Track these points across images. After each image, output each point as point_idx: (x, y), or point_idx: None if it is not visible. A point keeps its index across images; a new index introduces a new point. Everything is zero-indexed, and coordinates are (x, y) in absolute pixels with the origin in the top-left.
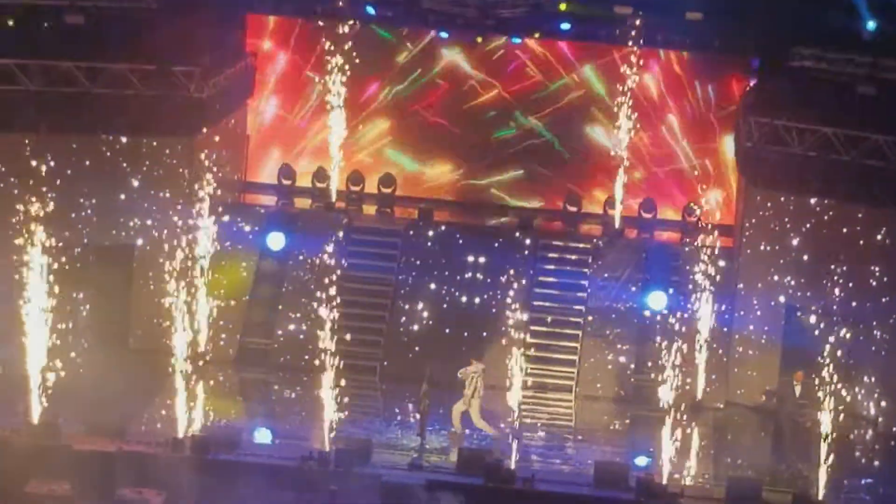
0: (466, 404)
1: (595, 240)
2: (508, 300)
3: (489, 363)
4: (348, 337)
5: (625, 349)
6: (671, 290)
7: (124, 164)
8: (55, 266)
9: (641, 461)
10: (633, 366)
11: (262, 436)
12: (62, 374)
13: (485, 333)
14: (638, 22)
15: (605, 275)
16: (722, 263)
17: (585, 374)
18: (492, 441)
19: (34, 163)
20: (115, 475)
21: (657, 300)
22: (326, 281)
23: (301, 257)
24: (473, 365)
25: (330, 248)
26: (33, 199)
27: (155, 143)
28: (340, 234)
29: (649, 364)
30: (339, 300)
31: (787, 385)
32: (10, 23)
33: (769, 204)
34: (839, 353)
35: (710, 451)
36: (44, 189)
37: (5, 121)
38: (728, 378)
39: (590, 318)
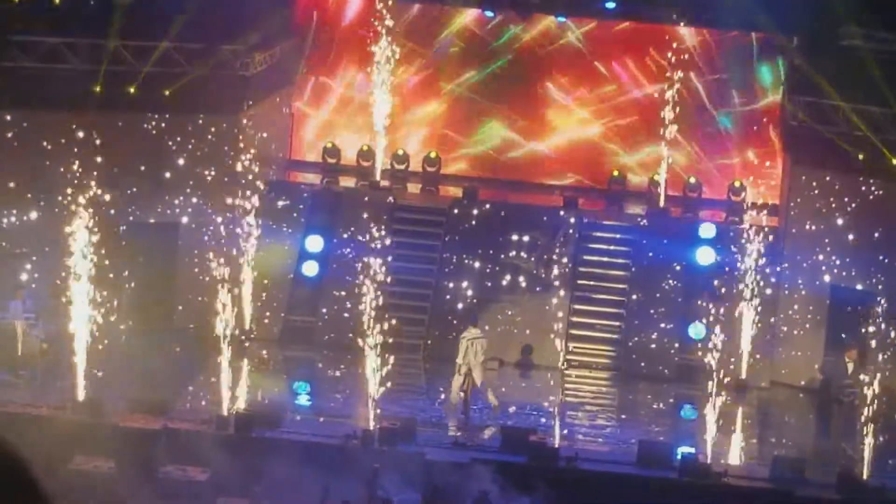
0: (462, 374)
1: (639, 218)
2: (552, 278)
3: (534, 343)
4: (392, 315)
5: (669, 328)
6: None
7: (170, 142)
8: (100, 243)
9: (685, 441)
10: (677, 345)
11: (306, 414)
12: (107, 352)
13: (528, 312)
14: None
15: (650, 254)
16: (767, 243)
17: (629, 352)
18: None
19: (80, 141)
20: (159, 452)
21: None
22: (370, 259)
23: (346, 235)
24: (470, 331)
25: (374, 227)
26: (79, 177)
27: (200, 121)
28: (385, 212)
29: (694, 344)
30: (383, 278)
31: (832, 364)
32: (58, 1)
33: (814, 183)
34: (884, 331)
35: (754, 431)
36: (89, 167)
37: (52, 99)
38: (773, 357)
39: (633, 296)
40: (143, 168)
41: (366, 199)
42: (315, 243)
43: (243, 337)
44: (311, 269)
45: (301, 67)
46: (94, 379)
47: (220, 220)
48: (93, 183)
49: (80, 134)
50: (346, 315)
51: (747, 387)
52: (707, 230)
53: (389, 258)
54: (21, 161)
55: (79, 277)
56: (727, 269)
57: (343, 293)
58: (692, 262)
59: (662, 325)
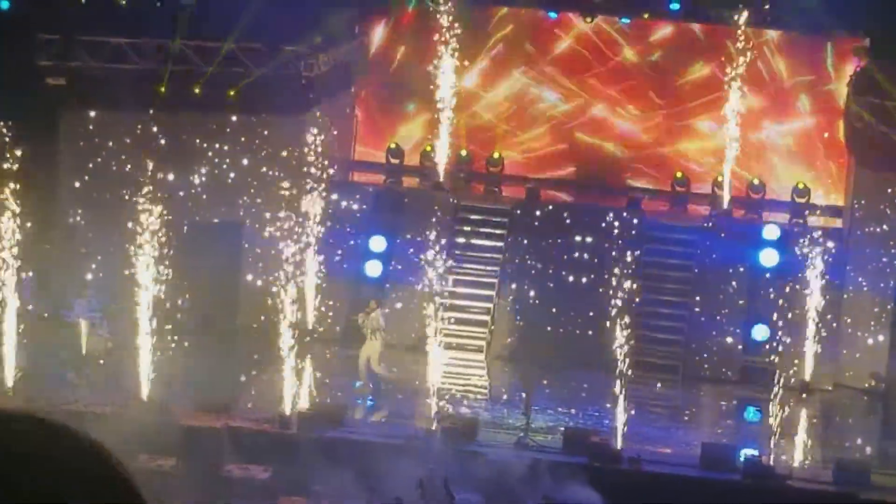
0: (368, 350)
1: (703, 220)
2: (615, 280)
3: (597, 344)
4: (455, 315)
5: (733, 330)
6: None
7: (233, 143)
8: (164, 243)
9: (749, 443)
10: (740, 347)
11: (369, 413)
12: (170, 350)
13: (591, 313)
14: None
15: (714, 255)
16: (831, 245)
17: (693, 354)
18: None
19: (145, 141)
20: (222, 451)
21: (760, 332)
22: (433, 259)
23: (409, 235)
24: (374, 308)
25: (437, 227)
26: (144, 176)
27: (264, 122)
28: (448, 213)
29: (758, 346)
30: (446, 279)
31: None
32: (123, 2)
33: (879, 186)
34: None
35: (818, 433)
36: (154, 167)
37: (118, 99)
38: (837, 360)
39: (696, 297)
40: (206, 168)
41: (429, 199)
42: (378, 243)
43: (306, 337)
44: (374, 269)
45: (364, 68)
46: (158, 378)
47: (283, 220)
48: (157, 183)
49: (145, 134)
50: (408, 315)
51: (811, 389)
52: (771, 232)
53: (452, 259)
54: (86, 160)
55: (143, 277)
56: (791, 270)
57: (406, 293)
58: (756, 263)
59: (726, 327)
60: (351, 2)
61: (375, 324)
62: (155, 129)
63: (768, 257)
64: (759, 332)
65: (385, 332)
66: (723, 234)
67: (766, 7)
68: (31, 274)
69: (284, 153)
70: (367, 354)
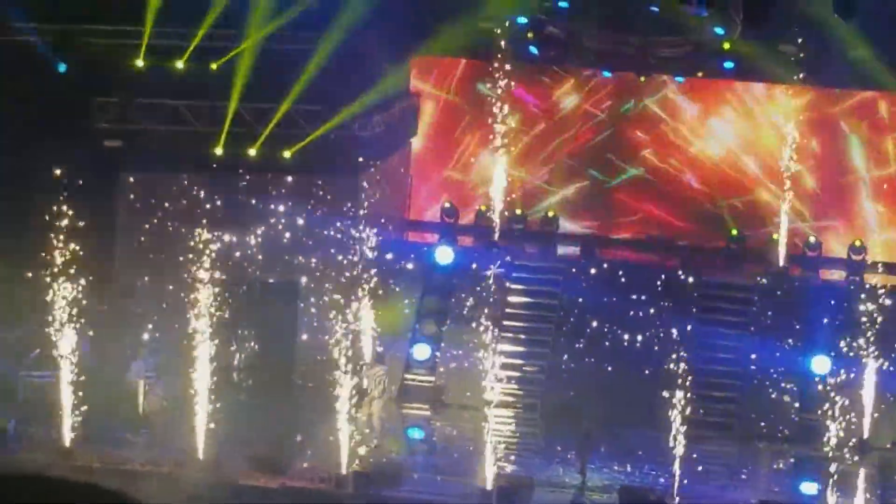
0: (369, 406)
1: (758, 277)
2: (670, 338)
3: (652, 402)
4: (510, 374)
5: (788, 387)
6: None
7: (289, 202)
8: (221, 303)
9: (805, 501)
10: (797, 404)
11: (424, 473)
12: (226, 410)
13: (646, 371)
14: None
15: (770, 312)
16: (889, 302)
17: (748, 411)
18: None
19: (201, 202)
20: None
21: (821, 364)
22: (489, 318)
23: (463, 295)
24: (376, 368)
25: (492, 286)
26: (200, 237)
27: (319, 182)
28: (502, 271)
29: (814, 403)
30: (501, 337)
31: None
32: (180, 65)
33: None
34: None
35: (876, 493)
36: (210, 227)
37: (175, 160)
38: None
39: (752, 355)
40: (262, 228)
41: (483, 258)
42: (433, 303)
43: (362, 396)
44: (429, 328)
45: (417, 128)
46: (213, 437)
47: (338, 279)
48: (213, 243)
49: (201, 195)
50: (463, 374)
51: (870, 448)
52: (820, 365)
53: (507, 318)
54: (143, 222)
55: (199, 336)
56: (848, 327)
57: (460, 352)
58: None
59: (782, 385)
60: (404, 64)
61: (385, 386)
62: (211, 190)
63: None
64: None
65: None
66: (778, 293)
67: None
68: (89, 334)
69: (339, 213)
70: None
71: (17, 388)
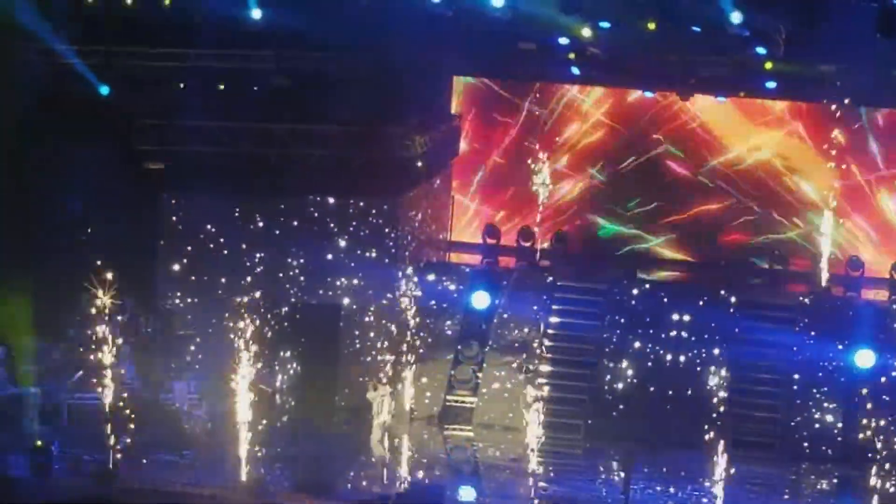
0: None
1: (801, 297)
2: (713, 359)
3: (695, 422)
4: (552, 395)
5: (832, 407)
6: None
7: (331, 225)
8: (262, 325)
9: None
10: (840, 424)
11: (467, 494)
12: (269, 432)
13: (689, 391)
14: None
15: (812, 332)
16: None
17: (792, 432)
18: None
19: (244, 223)
20: None
21: (865, 358)
22: (531, 339)
23: (505, 315)
24: (380, 388)
25: (535, 307)
26: (242, 259)
27: (362, 204)
28: (545, 292)
29: (858, 423)
30: (543, 357)
31: None
32: (221, 87)
33: None
34: None
35: None
36: (253, 249)
37: (216, 183)
38: None
39: (795, 375)
40: (304, 250)
41: (526, 279)
42: (475, 324)
43: (404, 417)
44: (471, 349)
45: (458, 149)
46: (257, 459)
47: (381, 301)
48: (255, 265)
49: (243, 217)
50: (505, 395)
51: None
52: (864, 359)
53: (549, 338)
54: (185, 244)
55: (241, 359)
56: (892, 347)
57: (503, 373)
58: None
59: (825, 405)
60: (446, 85)
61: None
62: (253, 211)
63: (864, 358)
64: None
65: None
66: (821, 313)
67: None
68: (132, 356)
69: (381, 234)
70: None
71: (61, 410)
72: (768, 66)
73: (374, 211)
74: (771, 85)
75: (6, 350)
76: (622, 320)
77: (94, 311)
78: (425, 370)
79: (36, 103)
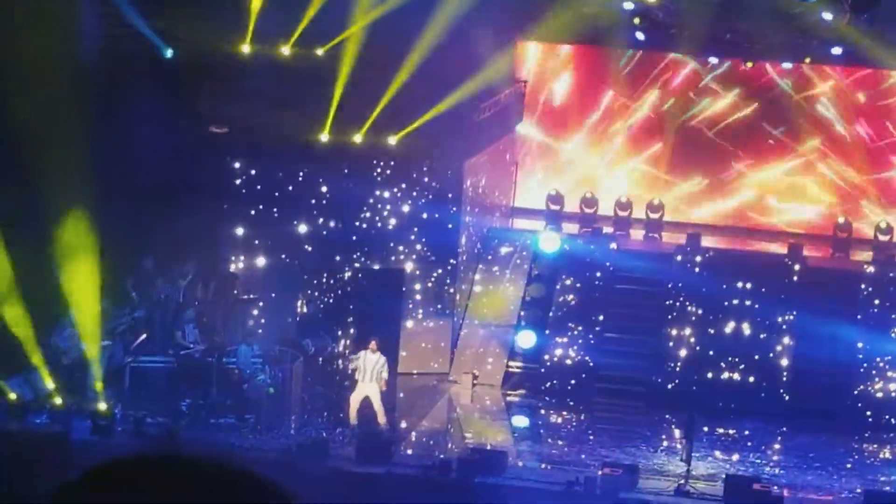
0: (364, 391)
1: (866, 266)
2: (776, 326)
3: (758, 390)
4: (615, 361)
5: (895, 377)
6: None
7: (395, 189)
8: (327, 290)
9: None
10: None
11: (528, 460)
12: (331, 396)
13: (755, 357)
14: None
15: (876, 301)
16: None
17: (855, 401)
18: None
19: (307, 188)
20: (383, 497)
21: None
22: (594, 306)
23: (568, 282)
24: (375, 348)
25: (598, 274)
26: (306, 224)
27: (425, 168)
28: (607, 259)
29: None
30: (606, 325)
31: None
32: (287, 53)
33: None
34: None
35: None
36: (316, 214)
37: (280, 146)
38: None
39: (858, 344)
40: (368, 215)
41: (589, 245)
42: (537, 290)
43: (468, 382)
44: (533, 315)
45: (522, 114)
46: (318, 424)
47: (444, 266)
48: (319, 230)
49: (307, 181)
50: (567, 361)
51: None
52: None
53: (612, 306)
54: (248, 208)
55: (304, 323)
56: None
57: (566, 339)
58: None
59: (889, 374)
60: (511, 49)
61: (379, 366)
62: (316, 176)
63: None
64: None
65: (384, 377)
66: (885, 281)
67: None
68: (193, 319)
69: (445, 199)
70: (363, 396)
71: (124, 374)
72: (834, 32)
73: (437, 176)
74: (836, 51)
75: (153, 260)
76: (685, 287)
77: (157, 274)
78: (488, 336)
79: (100, 66)
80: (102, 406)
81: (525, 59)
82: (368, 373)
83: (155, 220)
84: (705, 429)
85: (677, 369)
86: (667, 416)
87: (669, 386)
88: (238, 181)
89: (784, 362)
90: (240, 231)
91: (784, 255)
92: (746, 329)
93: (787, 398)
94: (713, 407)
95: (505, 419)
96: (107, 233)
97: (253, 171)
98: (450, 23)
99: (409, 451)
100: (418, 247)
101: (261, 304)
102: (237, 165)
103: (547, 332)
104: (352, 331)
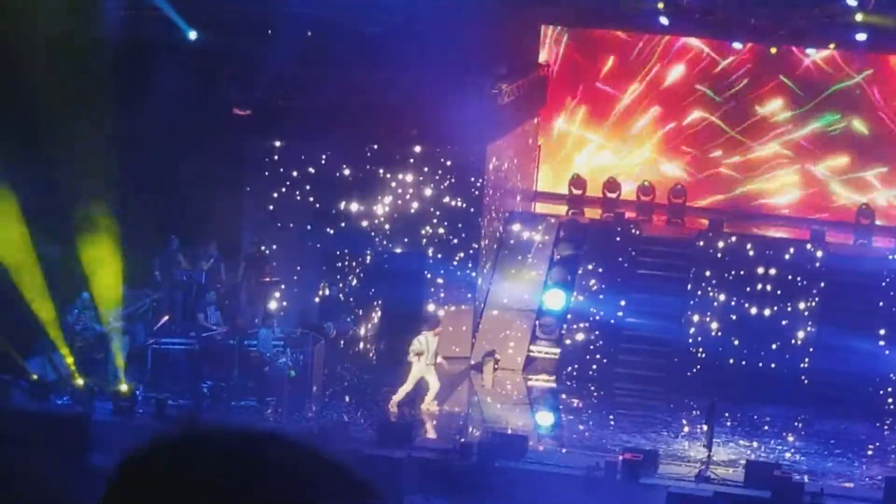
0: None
1: (889, 254)
2: (798, 313)
3: (780, 377)
4: (637, 346)
5: None
6: None
7: (417, 173)
8: (348, 272)
9: None
10: None
11: (549, 444)
12: (353, 379)
13: (774, 346)
14: None
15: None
16: None
17: (877, 388)
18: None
19: (329, 171)
20: (403, 481)
21: None
22: (615, 291)
23: (590, 266)
24: (436, 333)
25: (620, 258)
26: (327, 206)
27: (448, 152)
28: (630, 244)
29: None
30: (629, 310)
31: None
32: (309, 33)
33: None
34: None
35: None
36: (337, 197)
37: (303, 130)
38: None
39: (881, 331)
40: (390, 198)
41: (611, 231)
42: (560, 274)
43: (487, 366)
44: (555, 300)
45: (545, 99)
46: (339, 406)
47: (466, 250)
48: (340, 213)
49: (329, 164)
50: (590, 347)
51: None
52: None
53: (634, 291)
54: (271, 190)
55: (326, 306)
56: None
57: (587, 324)
58: None
59: None
60: (535, 34)
61: (437, 349)
62: (339, 159)
63: None
64: None
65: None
66: None
67: None
68: (215, 301)
69: (467, 183)
70: (419, 377)
71: (146, 355)
72: (859, 17)
73: (460, 159)
74: (861, 37)
75: (178, 242)
76: (707, 273)
77: (179, 256)
78: (510, 319)
79: (123, 47)
80: (124, 387)
81: (549, 44)
82: (430, 354)
83: (178, 202)
84: (726, 414)
85: (699, 355)
86: (688, 402)
87: (691, 372)
88: (261, 163)
89: (806, 349)
90: (262, 214)
91: (807, 242)
92: (769, 314)
93: (808, 384)
94: (735, 393)
95: (526, 403)
96: (130, 214)
97: (276, 155)
98: (472, 5)
99: (430, 435)
100: (441, 231)
101: (283, 286)
102: (260, 148)
103: (569, 316)
104: (374, 314)
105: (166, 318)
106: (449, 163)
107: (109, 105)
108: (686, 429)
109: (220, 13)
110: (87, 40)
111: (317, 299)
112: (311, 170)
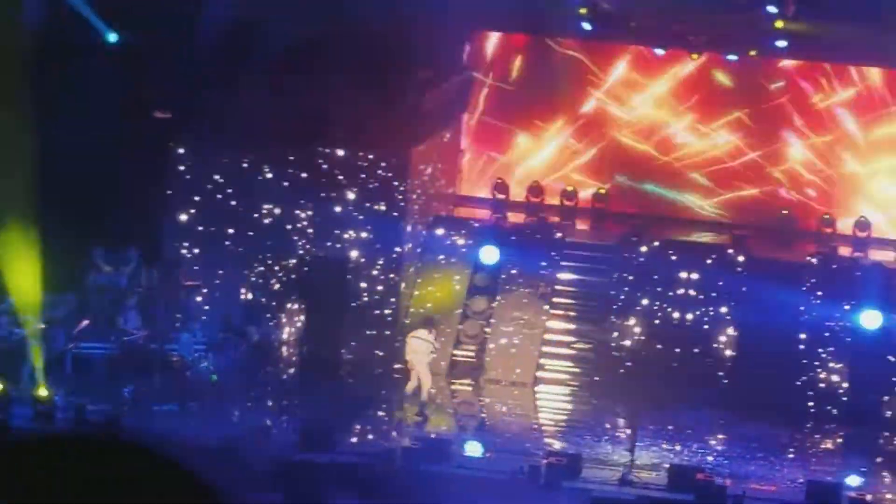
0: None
1: (809, 257)
2: (720, 317)
3: (702, 381)
4: (560, 351)
5: (838, 367)
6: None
7: (340, 177)
8: (270, 276)
9: (854, 481)
10: (846, 384)
11: (473, 448)
12: (275, 384)
13: (696, 350)
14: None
15: (819, 293)
16: None
17: (798, 392)
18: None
19: (251, 174)
20: (326, 486)
21: (871, 319)
22: (539, 295)
23: (514, 271)
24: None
25: (543, 263)
26: (250, 210)
27: (371, 156)
28: (553, 248)
29: (864, 383)
30: (551, 314)
31: None
32: (233, 35)
33: None
34: None
35: None
36: (259, 200)
37: (224, 133)
38: None
39: (801, 335)
40: (313, 202)
41: (535, 235)
42: (483, 279)
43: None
44: (479, 304)
45: (470, 103)
46: (263, 411)
47: (389, 254)
48: (263, 217)
49: (252, 168)
50: (513, 350)
51: None
52: (870, 320)
53: (557, 294)
54: (193, 194)
55: (248, 310)
56: None
57: (510, 329)
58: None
59: (831, 365)
60: (460, 38)
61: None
62: (262, 163)
63: (870, 319)
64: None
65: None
66: (828, 273)
67: None
68: (136, 305)
69: (390, 187)
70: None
71: (66, 360)
72: (779, 24)
73: (383, 163)
74: (781, 44)
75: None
76: (630, 277)
77: (100, 260)
78: (434, 324)
79: (41, 49)
80: (43, 393)
81: (477, 47)
82: (425, 353)
83: (98, 206)
84: (649, 418)
85: (623, 359)
86: (611, 406)
87: (614, 376)
88: (182, 167)
89: (728, 353)
90: (183, 217)
91: (728, 246)
92: (691, 319)
93: (730, 388)
94: (658, 396)
95: (450, 408)
96: (50, 219)
97: (197, 157)
98: (397, 9)
99: (353, 440)
100: (363, 234)
101: (204, 290)
102: (181, 151)
103: (492, 320)
104: (296, 318)
105: (86, 322)
106: (372, 166)
107: (27, 109)
108: (610, 433)
109: (140, 14)
110: (5, 43)
111: (239, 303)
112: (234, 173)
